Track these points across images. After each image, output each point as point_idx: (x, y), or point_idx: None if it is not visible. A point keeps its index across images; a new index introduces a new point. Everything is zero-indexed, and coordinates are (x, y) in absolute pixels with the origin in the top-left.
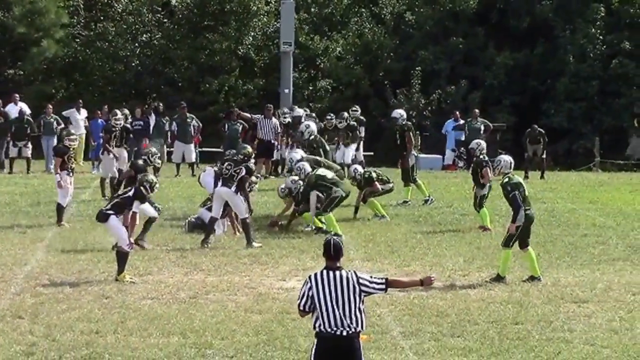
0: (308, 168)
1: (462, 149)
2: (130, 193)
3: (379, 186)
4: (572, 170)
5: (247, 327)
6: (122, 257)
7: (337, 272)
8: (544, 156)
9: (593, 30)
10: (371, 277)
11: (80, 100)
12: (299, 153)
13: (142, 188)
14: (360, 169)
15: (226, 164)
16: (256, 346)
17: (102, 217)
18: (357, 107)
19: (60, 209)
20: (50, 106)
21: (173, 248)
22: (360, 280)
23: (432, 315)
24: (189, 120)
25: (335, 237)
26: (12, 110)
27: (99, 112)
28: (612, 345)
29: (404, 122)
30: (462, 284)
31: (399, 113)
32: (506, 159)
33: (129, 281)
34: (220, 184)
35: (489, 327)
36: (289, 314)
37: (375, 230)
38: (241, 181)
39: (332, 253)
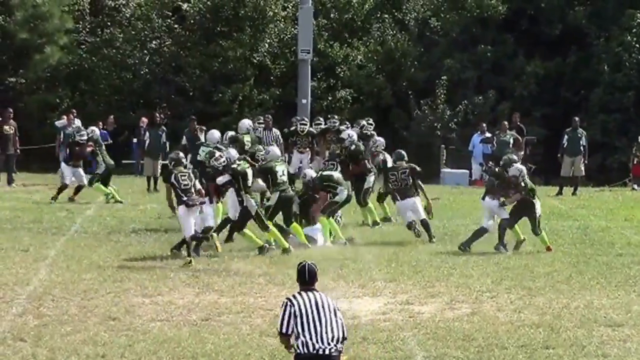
0: (313, 173)
1: (491, 163)
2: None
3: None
4: (606, 186)
5: (262, 351)
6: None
7: (316, 293)
8: (583, 173)
9: (629, 37)
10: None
11: (74, 110)
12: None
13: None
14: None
15: None
16: None
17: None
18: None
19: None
20: (72, 116)
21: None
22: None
23: (458, 339)
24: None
25: (310, 262)
26: None
27: (101, 122)
28: None
29: (354, 147)
30: (490, 306)
31: (349, 134)
32: (380, 139)
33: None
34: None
35: (518, 351)
36: None
37: (399, 249)
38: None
39: (307, 278)
